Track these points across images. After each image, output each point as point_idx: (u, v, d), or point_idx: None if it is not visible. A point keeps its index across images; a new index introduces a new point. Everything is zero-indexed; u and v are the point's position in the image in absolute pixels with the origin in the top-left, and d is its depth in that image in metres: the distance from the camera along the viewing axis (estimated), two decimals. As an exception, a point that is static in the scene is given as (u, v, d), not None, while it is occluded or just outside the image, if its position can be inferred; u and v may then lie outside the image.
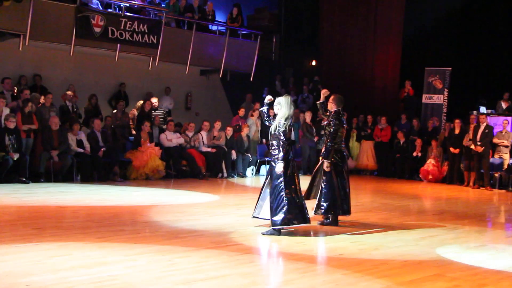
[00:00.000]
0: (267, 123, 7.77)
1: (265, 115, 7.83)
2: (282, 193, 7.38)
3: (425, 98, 17.13)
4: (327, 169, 8.19)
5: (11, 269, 5.35)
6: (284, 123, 7.47)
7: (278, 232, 7.40)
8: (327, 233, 7.90)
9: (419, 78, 17.24)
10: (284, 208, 7.35)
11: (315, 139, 15.78)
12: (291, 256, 6.48)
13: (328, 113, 8.40)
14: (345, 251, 6.87)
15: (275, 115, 7.64)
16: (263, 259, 6.41)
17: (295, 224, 7.46)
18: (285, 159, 7.42)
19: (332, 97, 8.40)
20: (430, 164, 15.24)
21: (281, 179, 7.41)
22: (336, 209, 8.28)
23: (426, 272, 6.01)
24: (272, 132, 7.57)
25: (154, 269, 5.57)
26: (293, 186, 7.46)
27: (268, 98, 7.80)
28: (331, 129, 8.24)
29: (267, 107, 7.80)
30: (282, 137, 7.45)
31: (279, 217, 7.34)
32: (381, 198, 11.99)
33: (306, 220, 7.54)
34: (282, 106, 7.53)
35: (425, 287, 5.44)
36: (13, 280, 5.01)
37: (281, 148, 7.42)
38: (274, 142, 7.52)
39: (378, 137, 16.46)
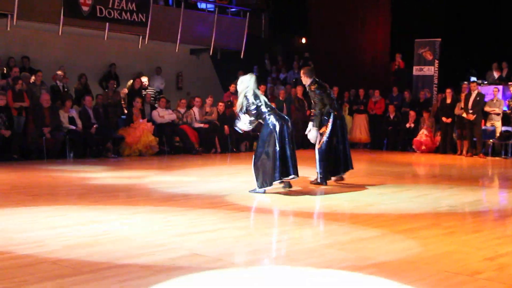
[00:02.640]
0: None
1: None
2: (261, 156, 7.49)
3: (415, 70, 17.13)
4: (312, 139, 8.26)
5: (7, 226, 5.34)
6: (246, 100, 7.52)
7: (263, 190, 7.48)
8: (320, 193, 7.93)
9: (409, 50, 17.23)
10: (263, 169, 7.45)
11: (308, 113, 15.76)
12: (287, 212, 6.52)
13: (307, 87, 8.46)
14: (340, 207, 6.90)
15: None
16: (258, 215, 6.41)
17: (268, 185, 7.49)
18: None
19: (302, 71, 8.57)
20: (423, 134, 15.27)
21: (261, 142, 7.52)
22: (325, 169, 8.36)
23: (422, 222, 6.04)
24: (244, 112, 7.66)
25: (149, 225, 5.57)
26: (271, 146, 7.47)
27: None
28: (316, 98, 8.29)
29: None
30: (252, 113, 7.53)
31: (260, 178, 7.46)
32: (375, 166, 12.03)
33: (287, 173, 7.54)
34: (242, 82, 7.59)
35: (421, 234, 5.46)
36: (10, 235, 5.01)
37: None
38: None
39: (372, 110, 16.47)
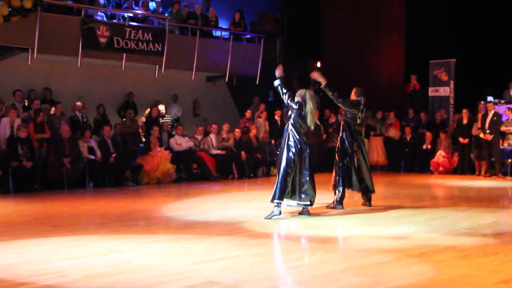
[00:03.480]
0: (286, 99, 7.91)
1: (282, 90, 7.94)
2: (283, 170, 7.69)
3: (431, 91, 17.17)
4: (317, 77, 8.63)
5: (29, 258, 5.48)
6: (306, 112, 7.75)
7: (278, 212, 7.65)
8: (336, 216, 7.99)
9: (424, 71, 17.28)
10: (281, 185, 7.63)
11: (324, 137, 15.86)
12: (302, 238, 6.59)
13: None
14: (355, 231, 6.94)
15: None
16: (274, 241, 6.48)
17: (290, 199, 7.69)
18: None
19: (354, 89, 8.97)
20: (440, 156, 15.25)
21: (281, 160, 7.74)
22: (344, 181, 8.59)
23: (437, 245, 6.07)
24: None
25: (167, 254, 5.68)
26: (293, 164, 7.70)
27: (278, 72, 7.96)
28: (340, 102, 8.64)
29: (279, 82, 7.96)
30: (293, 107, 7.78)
31: (277, 194, 7.64)
32: (392, 189, 12.03)
33: (303, 199, 7.72)
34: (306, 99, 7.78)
35: (436, 257, 5.50)
36: (32, 266, 5.14)
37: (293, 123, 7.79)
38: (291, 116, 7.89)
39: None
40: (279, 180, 7.66)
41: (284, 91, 7.89)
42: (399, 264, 5.27)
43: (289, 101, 7.83)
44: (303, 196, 7.69)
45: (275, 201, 7.64)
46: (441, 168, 15.13)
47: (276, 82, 8.02)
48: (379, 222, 7.50)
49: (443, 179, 14.01)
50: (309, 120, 7.78)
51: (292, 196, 7.69)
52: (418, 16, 18.14)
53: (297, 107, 7.77)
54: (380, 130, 9.10)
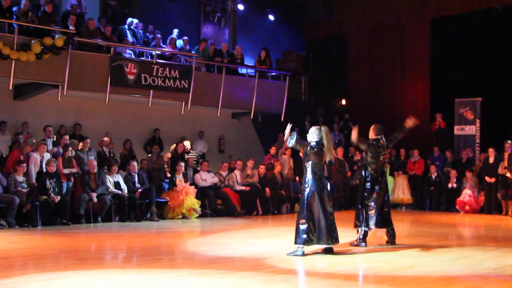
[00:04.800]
0: (303, 148, 7.96)
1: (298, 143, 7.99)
2: (302, 213, 7.67)
3: (457, 130, 17.09)
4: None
5: (55, 290, 5.57)
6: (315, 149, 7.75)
7: (301, 253, 7.59)
8: (360, 254, 7.97)
9: (449, 110, 17.25)
10: (303, 228, 7.61)
11: (348, 175, 15.85)
12: (325, 275, 6.57)
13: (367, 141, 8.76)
14: (379, 269, 6.91)
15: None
16: (298, 277, 6.47)
17: (313, 244, 7.66)
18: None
19: (372, 126, 8.94)
20: (466, 195, 15.10)
21: (303, 199, 7.73)
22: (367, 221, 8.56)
23: (461, 285, 6.01)
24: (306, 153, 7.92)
25: (192, 288, 5.72)
26: (313, 206, 7.69)
27: (288, 127, 7.97)
28: (366, 146, 8.59)
29: (295, 136, 7.98)
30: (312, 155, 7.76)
31: (300, 237, 7.62)
32: (417, 227, 11.94)
33: (326, 241, 7.70)
34: (323, 136, 7.83)
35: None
36: (58, 299, 5.23)
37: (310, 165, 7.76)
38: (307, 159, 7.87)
39: (411, 170, 16.43)
40: (299, 223, 7.68)
41: (304, 143, 7.94)
42: (423, 303, 5.24)
43: (308, 150, 7.84)
44: (330, 238, 7.70)
45: (297, 245, 7.66)
46: (467, 207, 14.96)
47: (291, 143, 7.97)
48: (402, 260, 7.45)
49: (469, 218, 13.84)
50: (327, 157, 7.83)
51: (319, 240, 7.68)
52: (443, 54, 18.18)
53: (316, 149, 7.80)
54: (403, 131, 8.86)
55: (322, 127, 7.98)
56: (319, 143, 7.86)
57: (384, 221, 8.71)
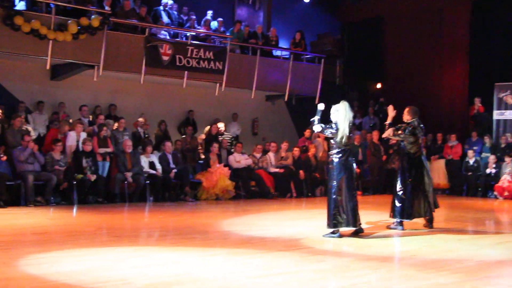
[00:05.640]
0: (325, 133, 7.79)
1: (315, 123, 7.80)
2: (333, 196, 7.55)
3: (496, 114, 16.69)
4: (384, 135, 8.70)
5: (93, 266, 5.59)
6: (336, 128, 7.56)
7: (337, 235, 7.51)
8: (397, 237, 7.84)
9: (489, 94, 16.84)
10: (334, 211, 7.51)
11: (383, 158, 15.64)
12: (363, 256, 6.47)
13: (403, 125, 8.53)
14: (418, 252, 6.78)
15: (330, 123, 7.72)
16: (334, 258, 6.38)
17: (342, 227, 7.54)
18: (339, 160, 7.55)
19: (406, 109, 8.70)
20: (505, 180, 14.76)
21: (333, 183, 7.56)
22: (403, 213, 8.32)
23: (504, 270, 5.86)
24: (330, 137, 7.75)
25: (227, 267, 5.69)
26: (341, 189, 7.55)
27: (320, 106, 7.83)
28: (401, 135, 8.36)
29: (319, 115, 7.82)
30: (337, 139, 7.55)
31: (330, 220, 7.53)
32: (454, 212, 11.72)
33: (355, 224, 7.59)
34: (340, 112, 7.62)
35: (502, 281, 5.31)
36: (96, 273, 5.25)
37: (335, 148, 7.59)
38: (332, 142, 7.67)
39: (448, 155, 16.13)
40: (330, 207, 7.58)
41: (327, 126, 7.68)
42: (463, 286, 5.11)
43: (328, 131, 7.66)
44: (356, 221, 7.61)
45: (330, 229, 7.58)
46: (506, 193, 14.62)
47: (316, 129, 7.78)
48: (441, 244, 7.31)
49: (508, 204, 13.53)
50: (339, 136, 7.59)
51: (348, 224, 7.56)
52: (482, 38, 17.73)
53: (335, 129, 7.61)
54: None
55: (342, 103, 7.68)
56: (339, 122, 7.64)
57: (425, 209, 8.49)
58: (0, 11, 11.74)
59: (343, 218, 7.53)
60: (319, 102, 7.82)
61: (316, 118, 7.77)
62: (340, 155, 7.61)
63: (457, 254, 6.70)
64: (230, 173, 13.15)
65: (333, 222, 7.52)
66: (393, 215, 8.46)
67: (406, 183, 8.40)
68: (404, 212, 8.34)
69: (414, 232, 8.22)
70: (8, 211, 9.72)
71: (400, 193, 8.40)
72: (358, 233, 7.66)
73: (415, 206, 8.38)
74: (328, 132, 7.65)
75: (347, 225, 7.56)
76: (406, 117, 8.64)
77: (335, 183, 7.58)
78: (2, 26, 11.80)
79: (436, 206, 8.65)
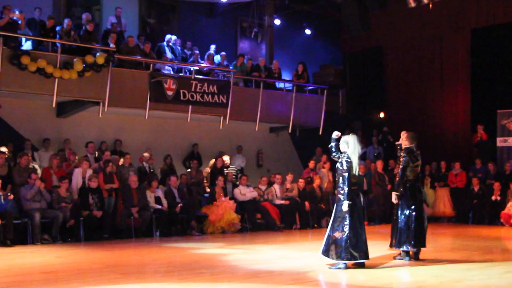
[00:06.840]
0: (335, 158, 7.89)
1: (333, 150, 7.94)
2: (345, 229, 7.55)
3: (499, 141, 16.76)
4: (394, 201, 8.33)
5: (101, 304, 5.62)
6: (350, 161, 7.64)
7: (344, 267, 7.51)
8: (404, 267, 7.83)
9: (491, 121, 16.92)
10: (344, 244, 7.51)
11: (388, 188, 15.65)
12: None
13: (400, 149, 8.56)
14: (425, 283, 6.78)
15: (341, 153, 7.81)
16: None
17: (356, 260, 7.54)
18: (350, 197, 7.54)
19: (405, 134, 8.69)
20: (511, 207, 14.74)
21: (345, 215, 7.57)
22: (408, 243, 8.30)
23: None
24: (339, 169, 7.74)
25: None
26: (353, 223, 7.59)
27: (335, 133, 7.96)
28: (401, 165, 8.39)
29: (334, 142, 7.94)
30: (346, 174, 7.60)
31: (339, 252, 7.54)
32: (461, 240, 11.69)
33: (366, 257, 7.61)
34: (349, 144, 7.71)
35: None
36: (103, 311, 5.27)
37: (345, 185, 7.55)
38: (340, 179, 7.67)
39: (453, 183, 16.14)
40: (337, 237, 7.60)
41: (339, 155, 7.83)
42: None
43: (345, 163, 7.72)
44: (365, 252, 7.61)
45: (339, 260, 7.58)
46: (512, 220, 14.60)
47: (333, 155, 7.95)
48: (448, 275, 7.29)
49: (514, 232, 13.51)
50: (353, 169, 7.69)
51: (364, 255, 7.60)
52: (484, 65, 17.88)
53: (349, 160, 7.70)
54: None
55: (351, 136, 7.81)
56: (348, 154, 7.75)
57: (422, 239, 8.45)
58: (7, 51, 11.94)
59: (355, 251, 7.52)
60: (323, 134, 7.94)
61: (333, 144, 7.91)
62: (351, 184, 7.66)
63: (465, 284, 6.69)
64: (235, 206, 13.18)
65: (347, 255, 7.51)
66: (398, 245, 8.43)
67: (409, 211, 8.40)
68: (410, 241, 8.33)
69: (420, 263, 8.19)
70: (15, 250, 9.75)
71: (397, 221, 8.40)
72: (361, 265, 7.67)
73: (419, 235, 8.37)
74: (344, 164, 7.71)
75: (366, 258, 7.58)
76: (405, 143, 8.61)
77: (347, 213, 7.60)
78: (8, 66, 11.98)
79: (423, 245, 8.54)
